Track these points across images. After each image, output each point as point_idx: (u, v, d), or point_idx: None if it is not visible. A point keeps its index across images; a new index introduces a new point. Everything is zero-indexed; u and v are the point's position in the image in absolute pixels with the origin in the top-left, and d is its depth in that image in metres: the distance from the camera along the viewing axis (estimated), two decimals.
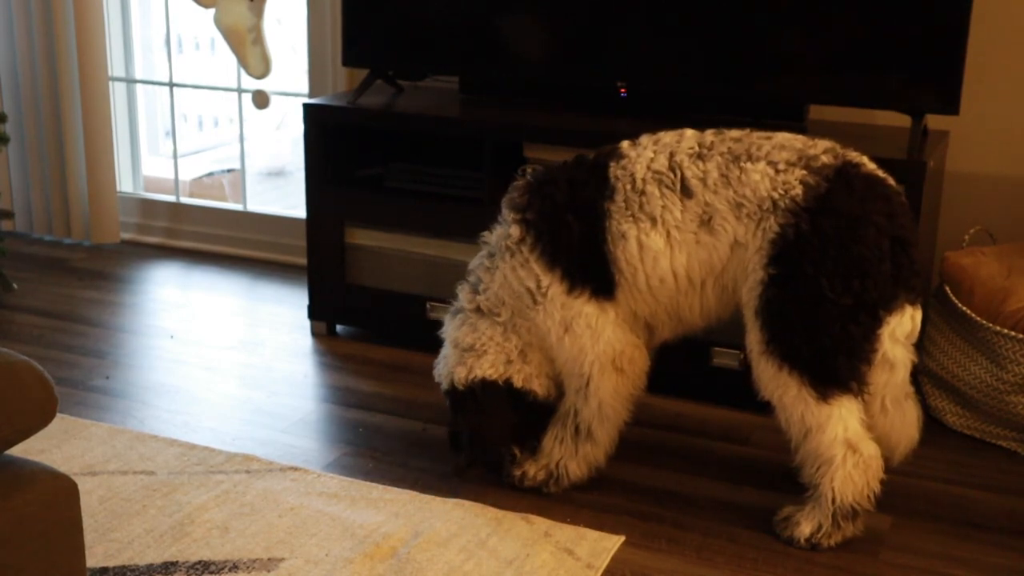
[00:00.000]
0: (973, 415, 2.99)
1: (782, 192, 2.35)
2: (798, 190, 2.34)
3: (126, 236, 4.57)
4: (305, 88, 4.15)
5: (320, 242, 3.55)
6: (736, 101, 3.25)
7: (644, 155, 2.48)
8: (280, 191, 7.51)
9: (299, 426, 3.02)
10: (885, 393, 2.47)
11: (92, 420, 2.97)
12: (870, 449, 2.40)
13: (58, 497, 1.79)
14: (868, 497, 2.42)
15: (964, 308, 2.96)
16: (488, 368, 2.61)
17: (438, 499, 2.60)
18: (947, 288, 3.04)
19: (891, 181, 2.43)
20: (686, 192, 2.42)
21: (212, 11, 3.39)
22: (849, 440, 2.37)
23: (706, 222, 2.42)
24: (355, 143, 3.57)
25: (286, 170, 7.93)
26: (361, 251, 3.50)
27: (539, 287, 2.53)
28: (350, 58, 3.60)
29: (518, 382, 2.61)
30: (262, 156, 8.05)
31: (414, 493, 2.63)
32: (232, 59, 3.63)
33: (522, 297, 2.56)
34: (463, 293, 2.68)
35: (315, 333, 3.64)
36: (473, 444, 2.65)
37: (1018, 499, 2.70)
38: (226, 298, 4.01)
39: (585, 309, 2.51)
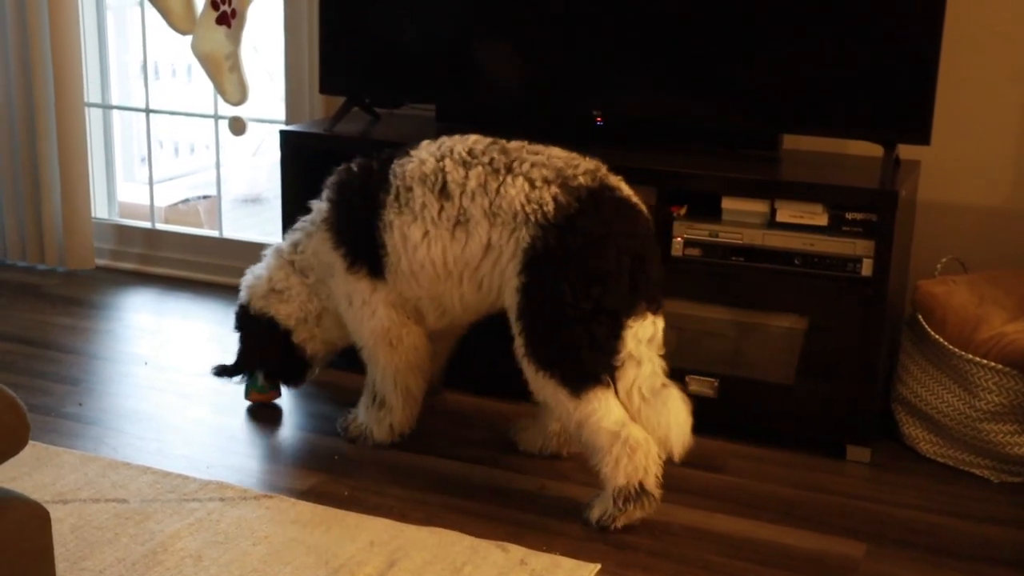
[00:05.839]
0: (946, 443, 3.01)
1: (535, 207, 2.59)
2: (550, 207, 2.58)
3: (101, 262, 4.55)
4: (282, 115, 4.15)
5: None
6: (711, 130, 3.28)
7: (420, 155, 2.77)
8: (256, 217, 7.50)
9: (274, 453, 3.00)
10: (640, 384, 2.58)
11: (64, 447, 2.95)
12: (636, 433, 2.55)
13: (30, 525, 1.77)
14: (645, 478, 2.56)
15: (937, 336, 2.98)
16: (283, 316, 3.09)
17: (413, 527, 2.59)
18: (920, 317, 3.06)
19: (641, 206, 2.66)
20: (445, 195, 2.70)
21: (189, 38, 3.39)
22: (611, 428, 2.54)
23: (463, 223, 2.68)
24: (332, 170, 3.56)
25: (262, 197, 7.92)
26: None
27: (331, 262, 2.91)
28: (327, 86, 3.61)
29: (296, 339, 3.09)
30: (238, 182, 8.04)
31: (389, 521, 2.62)
32: (209, 86, 3.62)
33: (326, 267, 2.96)
34: (286, 244, 3.11)
35: None
36: (237, 355, 3.20)
37: (992, 526, 2.72)
38: (201, 325, 3.99)
39: (359, 286, 2.87)
